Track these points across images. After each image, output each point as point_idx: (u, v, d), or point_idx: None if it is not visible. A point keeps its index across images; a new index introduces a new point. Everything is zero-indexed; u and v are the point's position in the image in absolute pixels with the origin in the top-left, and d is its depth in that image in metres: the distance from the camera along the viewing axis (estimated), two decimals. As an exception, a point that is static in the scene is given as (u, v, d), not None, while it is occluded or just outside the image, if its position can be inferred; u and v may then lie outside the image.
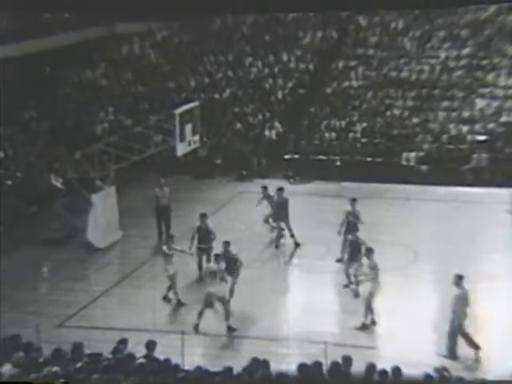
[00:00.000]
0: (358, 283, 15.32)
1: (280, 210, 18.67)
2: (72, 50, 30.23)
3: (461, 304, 13.08)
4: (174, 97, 28.81)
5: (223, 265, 14.78)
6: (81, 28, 31.46)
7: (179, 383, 9.05)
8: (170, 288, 15.91)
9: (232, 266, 15.25)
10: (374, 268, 14.19)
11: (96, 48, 32.13)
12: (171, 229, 19.05)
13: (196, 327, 14.45)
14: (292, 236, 18.66)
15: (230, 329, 14.45)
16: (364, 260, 14.88)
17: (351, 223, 16.83)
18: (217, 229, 17.57)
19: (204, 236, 16.99)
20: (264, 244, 19.06)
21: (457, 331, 13.10)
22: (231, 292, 15.33)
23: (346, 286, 16.04)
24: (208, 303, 14.51)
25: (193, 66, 31.19)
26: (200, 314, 14.48)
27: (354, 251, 15.77)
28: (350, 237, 16.21)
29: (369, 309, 14.30)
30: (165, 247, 15.98)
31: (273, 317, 15.01)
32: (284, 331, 14.58)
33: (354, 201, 17.33)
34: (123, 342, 10.74)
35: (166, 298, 15.97)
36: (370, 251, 14.39)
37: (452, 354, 13.06)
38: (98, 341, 12.71)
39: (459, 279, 13.16)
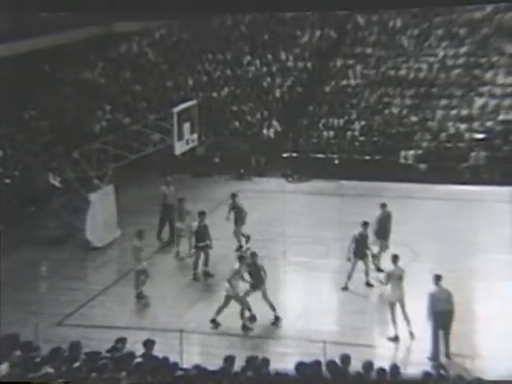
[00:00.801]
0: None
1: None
2: (70, 49, 30.22)
3: (439, 303, 12.96)
4: (172, 95, 28.80)
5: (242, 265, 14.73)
6: (78, 27, 31.44)
7: (177, 382, 9.05)
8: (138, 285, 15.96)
9: (258, 276, 14.96)
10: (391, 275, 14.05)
11: (94, 47, 32.11)
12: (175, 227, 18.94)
13: (213, 322, 14.51)
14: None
15: (245, 327, 14.44)
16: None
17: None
18: (215, 227, 17.57)
19: (202, 235, 16.99)
20: (262, 242, 19.04)
21: (437, 331, 12.99)
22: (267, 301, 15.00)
23: (368, 285, 16.18)
24: (226, 302, 14.58)
25: (191, 64, 31.18)
26: (219, 311, 14.56)
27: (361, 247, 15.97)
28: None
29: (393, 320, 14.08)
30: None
31: (272, 315, 14.97)
32: (283, 330, 14.59)
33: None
34: (122, 340, 10.74)
35: (139, 296, 15.96)
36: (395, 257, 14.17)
37: (435, 354, 12.98)
38: (97, 339, 12.72)
39: (437, 279, 13.13)
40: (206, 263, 17.27)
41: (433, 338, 13.05)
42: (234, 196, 18.83)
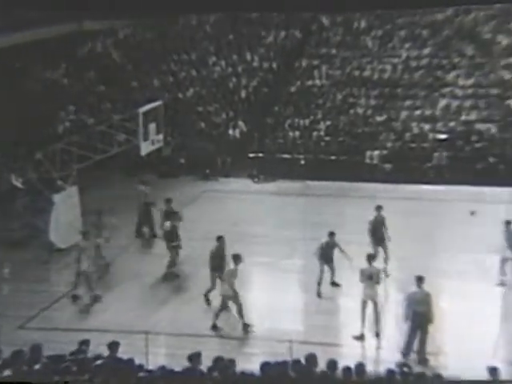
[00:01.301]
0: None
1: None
2: (33, 48, 29.76)
3: (416, 304, 13.06)
4: (137, 96, 28.58)
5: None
6: (41, 26, 30.97)
7: (141, 383, 8.97)
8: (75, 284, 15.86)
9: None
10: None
11: (57, 46, 31.67)
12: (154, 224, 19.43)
13: (214, 327, 14.44)
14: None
15: (246, 327, 14.41)
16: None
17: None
18: (181, 228, 17.48)
19: (173, 235, 17.06)
20: (229, 242, 18.97)
21: (413, 330, 13.10)
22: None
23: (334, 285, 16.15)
24: (223, 304, 14.52)
25: (156, 64, 30.99)
26: (217, 315, 14.48)
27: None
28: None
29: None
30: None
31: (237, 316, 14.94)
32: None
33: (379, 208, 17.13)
34: (85, 342, 10.61)
35: (74, 297, 15.84)
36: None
37: (407, 351, 13.10)
38: (61, 342, 12.53)
39: (419, 281, 13.22)
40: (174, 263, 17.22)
41: (407, 337, 13.17)
42: (168, 201, 18.33)
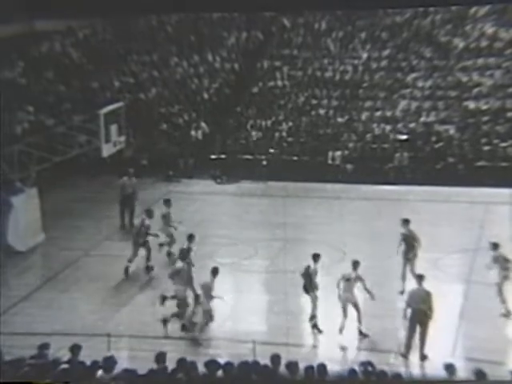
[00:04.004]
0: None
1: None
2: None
3: (415, 302, 13.26)
4: (97, 97, 28.28)
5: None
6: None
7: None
8: None
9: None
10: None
11: (14, 45, 31.11)
12: (135, 217, 19.84)
13: (183, 327, 14.41)
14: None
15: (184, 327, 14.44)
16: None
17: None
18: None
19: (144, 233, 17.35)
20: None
21: (414, 327, 13.28)
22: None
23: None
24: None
25: (117, 65, 30.71)
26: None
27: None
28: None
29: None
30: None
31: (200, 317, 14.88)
32: (212, 331, 14.53)
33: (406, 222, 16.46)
34: (45, 346, 10.44)
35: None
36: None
37: (408, 348, 13.29)
38: (20, 347, 12.30)
39: (420, 279, 13.48)
40: (148, 258, 17.41)
41: (407, 334, 13.34)
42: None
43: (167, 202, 18.32)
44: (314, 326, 14.61)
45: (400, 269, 16.12)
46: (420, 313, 13.21)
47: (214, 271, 14.29)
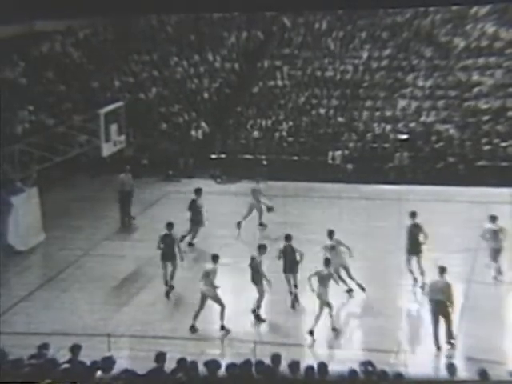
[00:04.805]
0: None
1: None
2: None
3: (434, 293, 13.55)
4: (98, 96, 28.28)
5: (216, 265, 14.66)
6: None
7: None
8: None
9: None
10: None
11: (14, 46, 31.12)
12: (131, 212, 20.59)
13: (192, 328, 14.37)
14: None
15: (223, 328, 14.42)
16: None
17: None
18: (144, 229, 17.38)
19: None
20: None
21: (437, 318, 13.51)
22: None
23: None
24: (202, 304, 14.48)
25: (117, 65, 30.70)
26: (196, 315, 14.44)
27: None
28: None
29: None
30: None
31: (201, 317, 14.88)
32: (212, 332, 14.53)
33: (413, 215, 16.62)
34: (44, 346, 10.44)
35: None
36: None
37: (436, 339, 13.51)
38: (20, 347, 12.29)
39: (442, 271, 13.70)
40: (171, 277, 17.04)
41: (432, 326, 13.59)
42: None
43: (198, 192, 18.76)
44: (257, 317, 14.89)
45: (400, 267, 16.14)
46: (441, 304, 13.43)
47: (214, 258, 14.61)
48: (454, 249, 17.34)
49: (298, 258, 15.61)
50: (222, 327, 14.44)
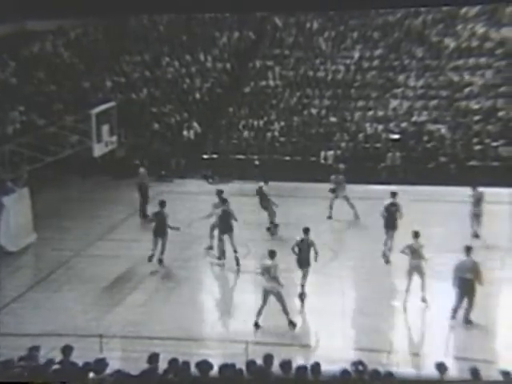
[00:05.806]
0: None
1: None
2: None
3: (462, 271, 14.10)
4: (89, 97, 28.20)
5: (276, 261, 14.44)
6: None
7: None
8: None
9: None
10: None
11: (5, 45, 31.00)
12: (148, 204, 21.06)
13: (256, 325, 14.30)
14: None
15: (291, 323, 14.37)
16: None
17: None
18: (137, 229, 17.34)
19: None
20: (185, 243, 18.91)
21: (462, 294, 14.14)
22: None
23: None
24: (265, 300, 14.36)
25: (109, 65, 30.62)
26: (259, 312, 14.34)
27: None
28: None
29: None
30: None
31: (194, 317, 14.87)
32: (205, 331, 14.50)
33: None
34: (35, 348, 10.37)
35: None
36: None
37: (454, 314, 14.20)
38: (11, 348, 12.24)
39: (468, 250, 14.36)
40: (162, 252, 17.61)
41: (455, 302, 14.20)
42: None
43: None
44: (290, 322, 14.76)
45: (392, 267, 16.15)
46: (466, 282, 14.00)
47: (271, 254, 14.32)
48: (446, 249, 17.34)
49: (312, 253, 15.55)
50: (290, 322, 14.38)
